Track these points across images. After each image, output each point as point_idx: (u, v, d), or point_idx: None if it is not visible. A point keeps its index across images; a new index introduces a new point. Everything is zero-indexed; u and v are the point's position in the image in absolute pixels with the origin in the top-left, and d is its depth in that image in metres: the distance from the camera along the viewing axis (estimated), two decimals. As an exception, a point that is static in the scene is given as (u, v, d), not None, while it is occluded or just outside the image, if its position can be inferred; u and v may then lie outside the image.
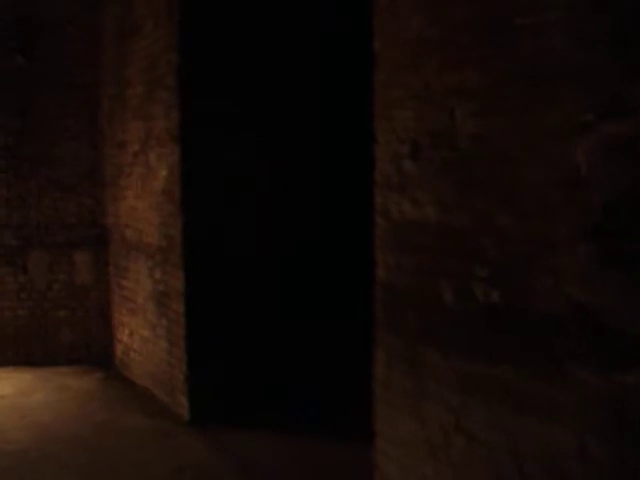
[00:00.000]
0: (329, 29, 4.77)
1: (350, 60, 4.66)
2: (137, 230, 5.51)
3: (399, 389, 2.97)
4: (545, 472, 2.34)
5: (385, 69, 2.84)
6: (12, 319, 6.13)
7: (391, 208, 2.89)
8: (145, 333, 5.53)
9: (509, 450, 2.51)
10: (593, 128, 2.17)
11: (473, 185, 2.55)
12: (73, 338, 6.22)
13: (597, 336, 2.25)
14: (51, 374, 6.00)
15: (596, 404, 2.23)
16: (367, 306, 3.14)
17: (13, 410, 5.15)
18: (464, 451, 2.69)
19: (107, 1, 5.75)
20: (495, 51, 2.40)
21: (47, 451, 4.43)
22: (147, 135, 5.14)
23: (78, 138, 6.01)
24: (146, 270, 5.41)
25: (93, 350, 6.24)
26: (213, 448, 4.44)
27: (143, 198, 5.35)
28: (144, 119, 5.16)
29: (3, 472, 4.18)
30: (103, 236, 6.11)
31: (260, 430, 4.67)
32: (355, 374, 3.89)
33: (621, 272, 2.17)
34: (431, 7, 2.62)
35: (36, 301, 6.15)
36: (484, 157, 2.49)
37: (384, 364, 3.02)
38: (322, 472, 4.14)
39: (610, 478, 2.13)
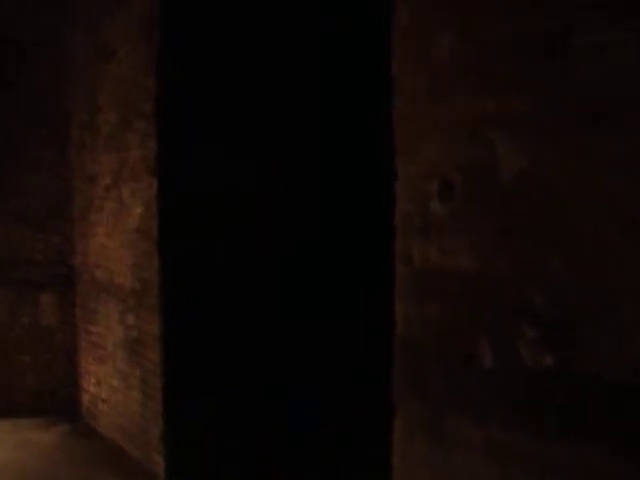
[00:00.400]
0: (329, 39, 4.41)
1: (355, 68, 4.33)
2: (108, 270, 5.07)
3: (422, 462, 2.58)
4: None
5: (406, 95, 2.49)
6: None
7: (414, 254, 2.52)
8: (115, 383, 5.06)
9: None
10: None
11: (518, 229, 2.20)
12: (37, 385, 5.71)
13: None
14: (13, 426, 5.48)
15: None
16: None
17: (-32, 470, 4.64)
18: (503, 537, 2.31)
19: (77, 25, 5.34)
20: (547, 75, 2.07)
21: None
22: (121, 167, 4.73)
23: (47, 170, 5.55)
24: (117, 314, 4.96)
25: (59, 398, 5.73)
26: (194, 513, 4.00)
27: (114, 236, 4.92)
28: (117, 150, 4.75)
29: None
30: (70, 276, 5.63)
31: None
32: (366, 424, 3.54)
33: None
34: (465, 25, 2.29)
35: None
36: (532, 196, 2.15)
37: (404, 432, 2.63)
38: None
39: None
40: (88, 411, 5.53)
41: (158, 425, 4.48)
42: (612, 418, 2.03)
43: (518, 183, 2.18)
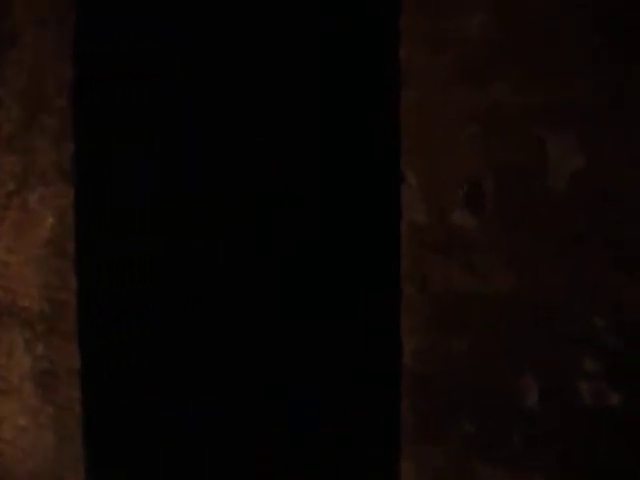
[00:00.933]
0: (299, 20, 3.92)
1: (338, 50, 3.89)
2: (9, 291, 4.37)
3: (438, 518, 2.18)
4: None
5: (421, 83, 2.08)
6: None
7: (430, 275, 2.11)
8: (21, 421, 4.37)
9: None
10: None
11: (576, 244, 1.84)
12: None
13: None
14: None
15: None
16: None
17: None
18: None
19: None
20: (623, 56, 1.72)
21: None
22: (25, 172, 4.06)
23: None
24: (22, 342, 4.28)
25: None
26: None
27: (18, 251, 4.23)
28: (22, 151, 4.08)
29: None
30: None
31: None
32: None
33: None
34: (503, 6, 1.90)
35: None
36: (594, 205, 1.80)
37: (416, 483, 2.22)
38: None
39: None
40: (-15, 454, 4.80)
41: (77, 471, 3.88)
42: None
43: (576, 189, 1.83)
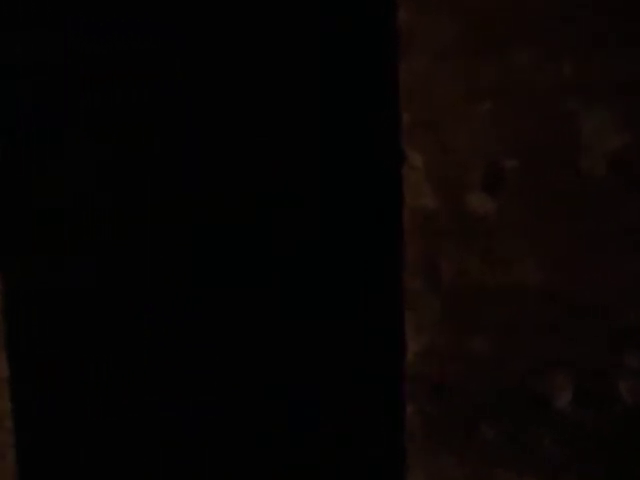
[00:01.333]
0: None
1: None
2: None
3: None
4: None
5: (425, 51, 1.85)
6: None
7: (441, 266, 1.90)
8: (-61, 438, 3.94)
9: None
10: None
11: (612, 233, 1.67)
12: None
13: None
14: None
15: None
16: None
17: None
18: None
19: None
20: None
21: None
22: None
23: None
24: (-63, 350, 3.84)
25: None
26: None
27: None
28: None
29: None
30: None
31: None
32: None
33: None
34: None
35: None
36: (634, 189, 1.63)
37: (426, 495, 2.03)
38: None
39: None
40: None
41: (10, 490, 3.52)
42: None
43: (614, 172, 1.65)
